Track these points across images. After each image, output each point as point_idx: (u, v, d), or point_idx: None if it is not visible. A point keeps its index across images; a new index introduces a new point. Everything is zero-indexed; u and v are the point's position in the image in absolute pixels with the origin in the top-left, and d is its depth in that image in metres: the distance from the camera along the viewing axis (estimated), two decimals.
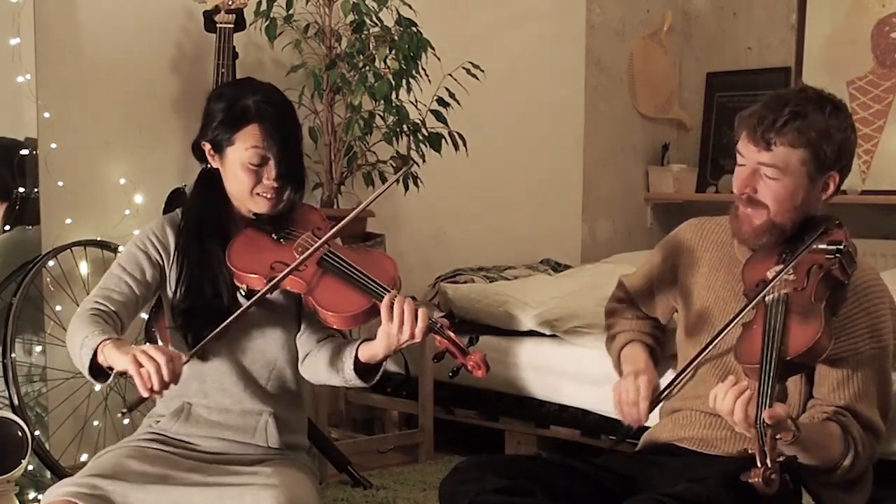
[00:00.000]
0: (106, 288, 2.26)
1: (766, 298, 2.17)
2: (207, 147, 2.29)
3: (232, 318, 2.18)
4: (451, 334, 2.09)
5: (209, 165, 2.31)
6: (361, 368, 2.20)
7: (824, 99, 2.24)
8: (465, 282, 4.15)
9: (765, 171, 2.22)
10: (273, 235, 2.28)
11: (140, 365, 2.01)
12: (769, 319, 2.12)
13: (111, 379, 2.12)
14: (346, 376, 2.20)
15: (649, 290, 2.57)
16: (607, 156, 5.29)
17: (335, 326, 2.22)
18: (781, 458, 1.92)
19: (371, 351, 2.17)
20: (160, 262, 2.29)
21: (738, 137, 2.27)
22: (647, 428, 2.49)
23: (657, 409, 2.45)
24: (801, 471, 2.12)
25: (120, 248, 3.45)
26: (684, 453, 2.31)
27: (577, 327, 3.58)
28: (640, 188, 5.46)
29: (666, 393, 2.38)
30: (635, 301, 2.62)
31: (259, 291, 2.22)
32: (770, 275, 2.20)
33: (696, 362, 2.32)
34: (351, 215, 2.29)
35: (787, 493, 2.08)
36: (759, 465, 1.89)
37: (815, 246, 2.20)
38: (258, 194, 2.25)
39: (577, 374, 3.55)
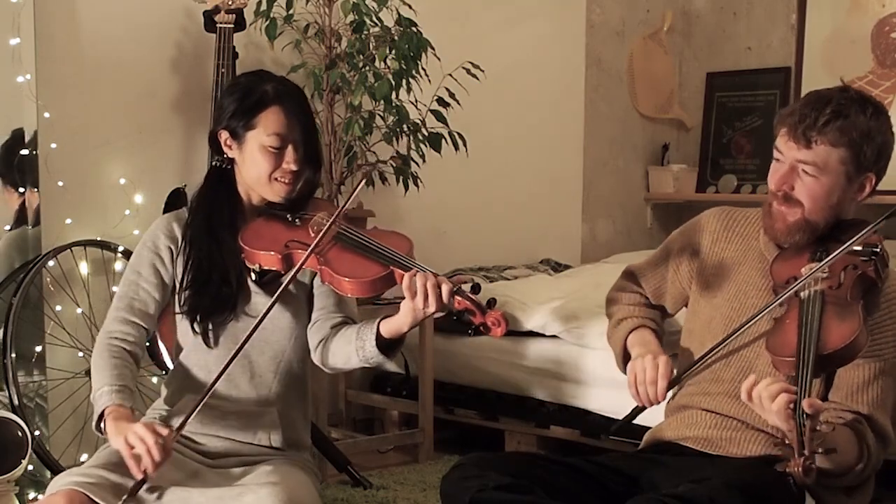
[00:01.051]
0: (125, 297, 2.28)
1: (801, 294, 2.16)
2: (224, 136, 2.30)
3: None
4: (471, 294, 2.10)
5: (223, 159, 2.32)
6: (383, 344, 2.21)
7: (866, 100, 2.24)
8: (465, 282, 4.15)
9: (803, 169, 2.22)
10: (287, 217, 2.30)
11: (131, 447, 2.04)
12: (805, 314, 2.11)
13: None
14: (367, 353, 2.21)
15: (662, 274, 2.54)
16: (607, 156, 5.29)
17: (351, 294, 2.21)
18: (820, 451, 1.92)
19: (395, 325, 2.18)
20: (171, 257, 2.30)
21: (776, 134, 2.27)
22: (639, 426, 2.46)
23: (666, 397, 2.40)
24: None
25: (120, 248, 3.45)
26: (688, 453, 2.30)
27: (577, 327, 3.57)
28: (640, 188, 5.46)
29: (687, 373, 2.33)
30: (642, 286, 2.59)
31: (273, 270, 2.24)
32: (804, 271, 2.19)
33: (724, 345, 2.30)
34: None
35: (791, 496, 2.08)
36: (797, 455, 1.89)
37: (852, 247, 2.19)
38: (276, 179, 2.27)
39: (577, 374, 3.55)
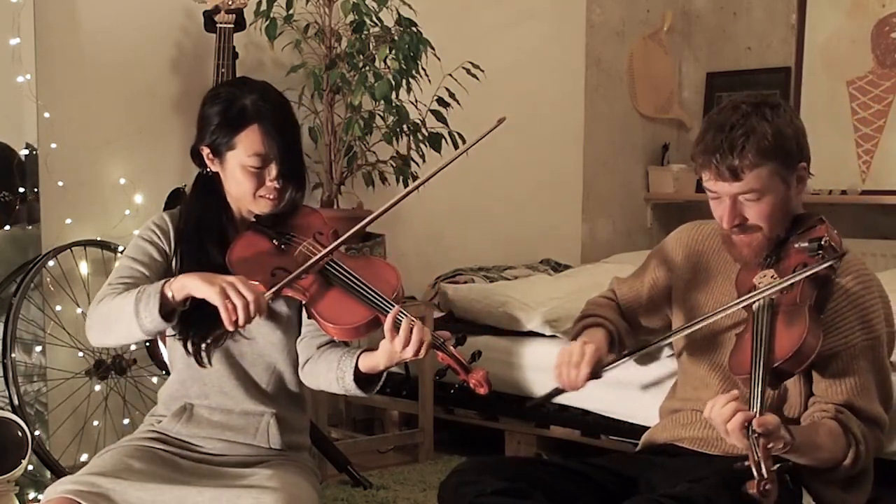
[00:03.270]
0: (119, 276, 2.22)
1: (754, 306, 2.17)
2: (206, 151, 2.27)
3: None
4: (454, 351, 2.09)
5: (208, 170, 2.30)
6: (361, 378, 2.20)
7: (758, 104, 2.20)
8: (465, 282, 4.15)
9: (745, 198, 2.20)
10: (274, 241, 2.26)
11: (226, 297, 2.02)
12: (757, 327, 2.12)
13: (175, 319, 2.10)
14: (346, 385, 2.20)
15: (639, 292, 2.53)
16: (607, 156, 5.29)
17: (335, 338, 2.21)
18: (777, 466, 1.91)
19: (372, 362, 2.17)
20: (166, 250, 2.28)
21: (699, 174, 2.25)
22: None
23: (587, 385, 2.37)
24: (801, 471, 2.12)
25: (120, 249, 3.45)
26: (684, 453, 2.31)
27: None
28: (640, 188, 5.46)
29: (609, 367, 2.33)
30: (622, 310, 2.56)
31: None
32: (756, 281, 2.20)
33: (653, 346, 2.33)
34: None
35: (788, 494, 2.09)
36: (755, 475, 1.88)
37: (796, 246, 2.19)
38: (260, 196, 2.24)
39: None
